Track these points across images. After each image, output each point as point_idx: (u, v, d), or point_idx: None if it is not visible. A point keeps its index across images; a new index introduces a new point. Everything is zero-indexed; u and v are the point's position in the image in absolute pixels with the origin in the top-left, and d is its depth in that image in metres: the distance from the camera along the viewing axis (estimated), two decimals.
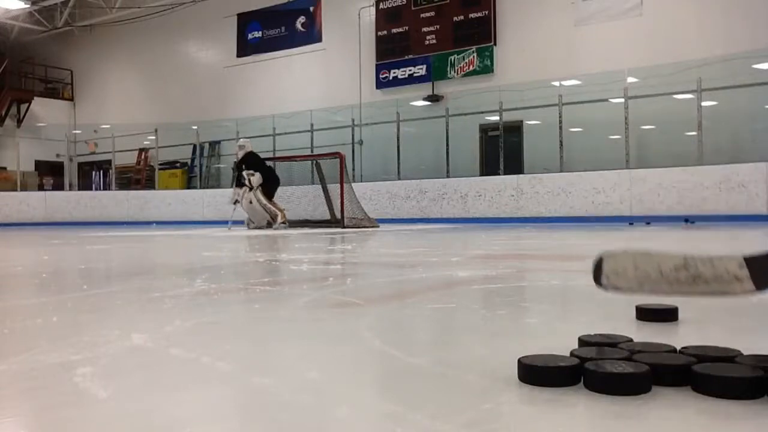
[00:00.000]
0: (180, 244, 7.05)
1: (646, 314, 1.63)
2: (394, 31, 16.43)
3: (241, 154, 11.35)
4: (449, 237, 7.22)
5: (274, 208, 10.87)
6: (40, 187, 19.68)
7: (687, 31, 12.60)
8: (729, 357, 1.07)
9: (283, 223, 10.73)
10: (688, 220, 10.48)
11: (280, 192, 11.95)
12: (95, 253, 5.50)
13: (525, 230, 8.66)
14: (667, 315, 1.62)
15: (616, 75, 12.36)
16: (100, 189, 20.91)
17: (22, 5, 20.19)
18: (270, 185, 11.14)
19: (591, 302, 2.09)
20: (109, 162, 19.57)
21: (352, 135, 16.03)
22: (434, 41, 15.81)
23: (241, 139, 12.31)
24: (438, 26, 15.76)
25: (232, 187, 11.62)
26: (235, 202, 11.12)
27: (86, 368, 1.21)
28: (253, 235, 8.84)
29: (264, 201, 10.85)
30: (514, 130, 14.24)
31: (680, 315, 1.64)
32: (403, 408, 0.95)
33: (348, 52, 17.09)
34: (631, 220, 11.05)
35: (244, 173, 10.97)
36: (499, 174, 13.38)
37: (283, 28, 18.57)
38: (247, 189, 10.90)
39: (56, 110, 23.29)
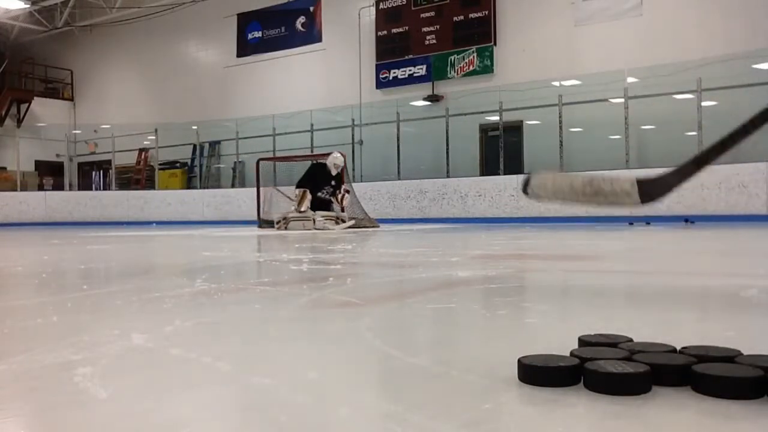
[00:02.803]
0: (180, 244, 7.05)
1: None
2: (394, 31, 16.43)
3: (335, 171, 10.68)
4: (449, 237, 7.22)
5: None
6: (40, 187, 19.68)
7: (687, 31, 12.61)
8: (729, 357, 1.07)
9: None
10: (688, 219, 10.47)
11: (278, 193, 11.92)
12: (95, 253, 5.50)
13: (525, 230, 8.66)
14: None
15: (616, 75, 12.36)
16: (100, 189, 20.92)
17: (22, 5, 20.19)
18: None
19: (591, 302, 2.09)
20: (109, 162, 19.57)
21: (352, 135, 16.03)
22: (434, 41, 15.81)
23: (340, 155, 11.02)
24: (438, 26, 15.76)
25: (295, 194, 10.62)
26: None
27: (86, 368, 1.21)
28: (253, 235, 8.84)
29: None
30: (514, 130, 14.24)
31: (680, 315, 1.64)
32: (403, 408, 0.95)
33: (348, 52, 17.09)
34: (631, 220, 11.04)
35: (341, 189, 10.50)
36: (499, 174, 13.38)
37: (283, 28, 18.57)
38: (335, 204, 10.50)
39: (56, 110, 23.29)
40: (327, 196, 10.47)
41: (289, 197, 10.79)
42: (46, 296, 2.63)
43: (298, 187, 10.52)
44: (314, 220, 9.94)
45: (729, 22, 12.22)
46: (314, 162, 11.38)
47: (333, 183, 10.50)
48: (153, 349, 1.43)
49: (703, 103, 11.41)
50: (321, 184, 10.43)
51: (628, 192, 1.57)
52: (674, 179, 1.59)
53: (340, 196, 10.53)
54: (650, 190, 1.58)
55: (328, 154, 11.19)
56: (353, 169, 14.91)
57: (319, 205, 10.28)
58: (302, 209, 10.13)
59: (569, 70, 13.66)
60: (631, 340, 1.20)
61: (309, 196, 10.19)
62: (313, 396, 1.03)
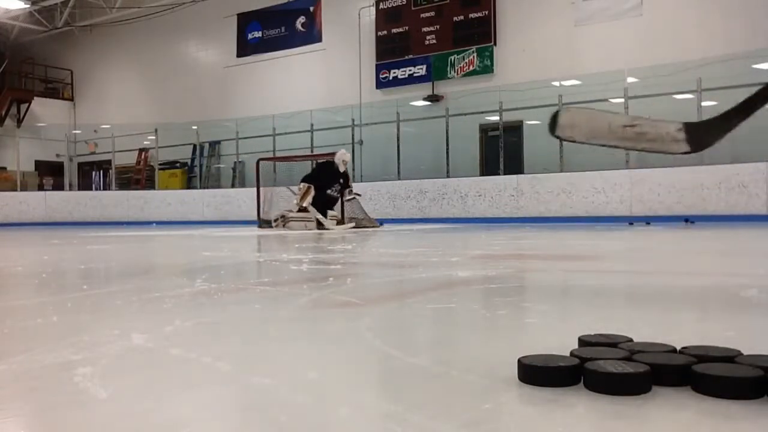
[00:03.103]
0: (180, 244, 7.05)
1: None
2: (394, 31, 16.43)
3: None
4: (449, 237, 7.22)
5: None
6: (40, 187, 19.67)
7: (687, 31, 12.61)
8: (729, 357, 1.07)
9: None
10: (688, 219, 10.47)
11: (281, 192, 11.94)
12: (95, 253, 5.50)
13: (525, 230, 8.66)
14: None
15: (616, 75, 12.36)
16: (100, 189, 20.91)
17: (22, 5, 20.19)
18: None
19: (591, 302, 2.09)
20: (109, 162, 19.56)
21: (352, 135, 16.03)
22: (434, 41, 15.81)
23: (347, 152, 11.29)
24: (438, 26, 15.76)
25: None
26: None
27: (86, 368, 1.21)
28: (253, 235, 8.84)
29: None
30: (514, 130, 14.24)
31: (680, 315, 1.64)
32: (403, 408, 0.95)
33: (348, 52, 17.09)
34: (631, 220, 11.04)
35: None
36: (499, 174, 13.38)
37: (283, 28, 18.57)
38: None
39: (56, 110, 23.29)
40: (335, 194, 10.49)
41: (292, 191, 10.77)
42: (46, 296, 2.63)
43: (303, 181, 10.51)
44: (317, 220, 9.93)
45: (729, 22, 12.22)
46: (320, 161, 11.35)
47: (341, 181, 10.52)
48: (153, 349, 1.43)
49: (703, 103, 11.41)
50: (329, 182, 10.44)
51: (675, 137, 1.41)
52: (724, 125, 1.45)
53: (348, 198, 10.58)
54: (700, 136, 1.42)
55: (329, 154, 11.20)
56: (353, 169, 14.90)
57: (326, 203, 10.29)
58: (303, 204, 10.12)
59: (569, 70, 13.66)
60: (631, 340, 1.20)
61: (312, 192, 10.19)
62: (313, 396, 1.03)
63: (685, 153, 1.41)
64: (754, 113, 1.44)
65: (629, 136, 1.42)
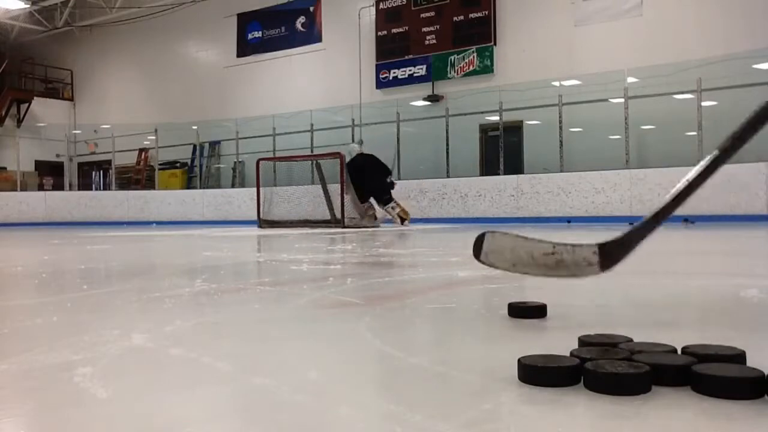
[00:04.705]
0: (180, 244, 7.05)
1: (516, 311, 1.71)
2: (394, 31, 16.43)
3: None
4: (449, 237, 7.22)
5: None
6: (40, 187, 19.68)
7: (687, 31, 12.61)
8: (730, 356, 1.07)
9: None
10: (688, 219, 10.47)
11: (281, 192, 11.94)
12: (95, 253, 5.50)
13: (525, 230, 8.65)
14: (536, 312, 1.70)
15: (616, 75, 12.36)
16: (100, 189, 20.92)
17: (22, 5, 20.19)
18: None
19: (591, 302, 2.09)
20: (109, 162, 19.57)
21: (352, 135, 16.03)
22: (434, 41, 15.81)
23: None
24: (438, 26, 15.76)
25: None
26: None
27: (86, 368, 1.21)
28: (253, 235, 8.84)
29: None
30: (514, 130, 14.24)
31: (680, 315, 1.64)
32: (403, 408, 0.95)
33: (348, 52, 17.09)
34: (631, 220, 10.95)
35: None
36: (499, 174, 13.38)
37: (283, 28, 18.57)
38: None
39: (56, 110, 23.30)
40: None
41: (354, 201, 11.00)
42: (46, 296, 2.63)
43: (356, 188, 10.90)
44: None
45: (729, 22, 12.22)
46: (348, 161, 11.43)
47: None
48: (153, 349, 1.43)
49: (703, 103, 11.41)
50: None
51: (590, 261, 1.47)
52: (636, 238, 1.52)
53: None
54: (611, 254, 1.49)
55: (328, 154, 11.26)
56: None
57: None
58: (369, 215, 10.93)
59: (569, 70, 13.66)
60: (630, 340, 1.20)
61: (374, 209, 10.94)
62: (313, 396, 1.03)
63: (595, 274, 1.48)
64: (666, 219, 1.51)
65: (549, 263, 1.48)
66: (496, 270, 1.61)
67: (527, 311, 1.70)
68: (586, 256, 1.48)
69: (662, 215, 1.50)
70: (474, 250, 1.53)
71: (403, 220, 11.11)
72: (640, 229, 1.52)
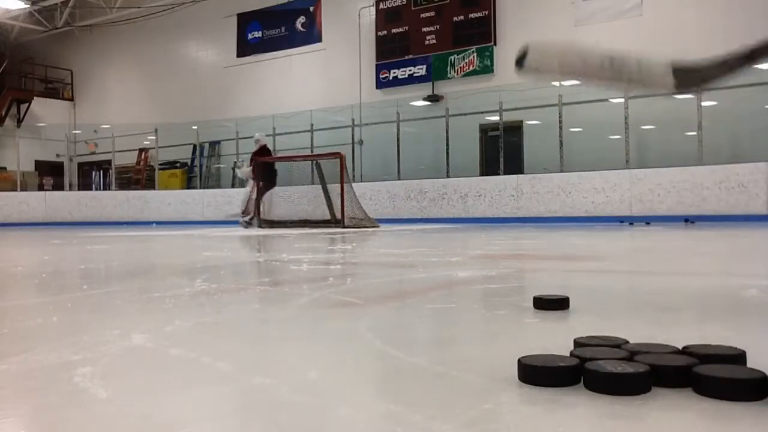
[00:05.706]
0: (180, 244, 7.05)
1: (541, 303, 1.81)
2: (394, 31, 16.43)
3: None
4: (449, 237, 7.22)
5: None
6: (40, 187, 19.67)
7: (687, 31, 12.60)
8: (730, 357, 1.07)
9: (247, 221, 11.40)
10: (688, 219, 10.47)
11: (281, 192, 11.92)
12: (95, 253, 5.50)
13: (525, 230, 8.66)
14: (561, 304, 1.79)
15: None
16: (100, 189, 20.92)
17: (22, 5, 20.19)
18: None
19: (591, 302, 2.09)
20: (109, 162, 19.56)
21: (352, 135, 16.03)
22: (434, 41, 15.80)
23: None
24: (438, 26, 15.76)
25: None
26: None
27: (86, 368, 1.21)
28: (253, 234, 8.84)
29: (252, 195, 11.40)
30: (514, 130, 14.24)
31: (680, 315, 1.64)
32: (403, 408, 0.95)
33: (348, 52, 17.09)
34: (631, 220, 11.04)
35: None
36: (499, 174, 13.38)
37: (283, 28, 18.56)
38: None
39: (56, 110, 23.29)
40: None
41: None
42: (46, 296, 2.63)
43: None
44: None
45: (729, 22, 12.22)
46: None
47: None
48: (153, 349, 1.43)
49: (703, 103, 11.41)
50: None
51: (662, 76, 1.36)
52: (719, 71, 1.37)
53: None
54: (688, 79, 1.36)
55: (328, 154, 11.28)
56: (353, 169, 14.90)
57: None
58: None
59: None
60: (626, 342, 1.19)
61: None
62: (313, 396, 1.03)
63: (668, 88, 1.36)
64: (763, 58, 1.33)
65: (605, 71, 1.34)
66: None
67: (551, 303, 1.79)
68: (656, 72, 1.38)
69: (760, 52, 1.32)
70: (517, 60, 1.35)
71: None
72: (726, 63, 1.37)
